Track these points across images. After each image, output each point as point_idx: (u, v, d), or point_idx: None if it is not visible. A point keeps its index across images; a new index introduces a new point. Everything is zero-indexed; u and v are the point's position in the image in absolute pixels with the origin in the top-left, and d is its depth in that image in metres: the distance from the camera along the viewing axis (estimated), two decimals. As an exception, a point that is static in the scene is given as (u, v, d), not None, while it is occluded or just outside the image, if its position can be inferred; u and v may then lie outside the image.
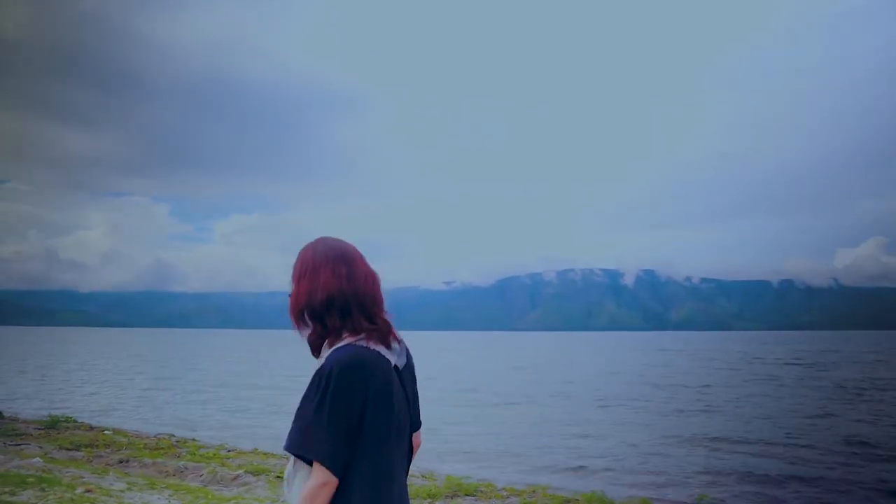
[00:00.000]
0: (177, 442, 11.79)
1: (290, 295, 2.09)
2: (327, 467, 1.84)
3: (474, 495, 8.56)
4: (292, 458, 1.94)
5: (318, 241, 2.13)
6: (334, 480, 1.85)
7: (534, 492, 8.96)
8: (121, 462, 9.84)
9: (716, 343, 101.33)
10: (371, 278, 2.07)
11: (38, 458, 9.12)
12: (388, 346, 2.00)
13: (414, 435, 2.12)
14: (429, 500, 8.14)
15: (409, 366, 2.11)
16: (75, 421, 13.90)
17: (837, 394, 21.47)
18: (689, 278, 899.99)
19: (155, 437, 12.77)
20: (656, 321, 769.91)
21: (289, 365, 42.12)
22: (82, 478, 7.92)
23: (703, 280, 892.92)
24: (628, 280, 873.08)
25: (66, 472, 8.22)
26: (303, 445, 1.87)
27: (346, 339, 1.97)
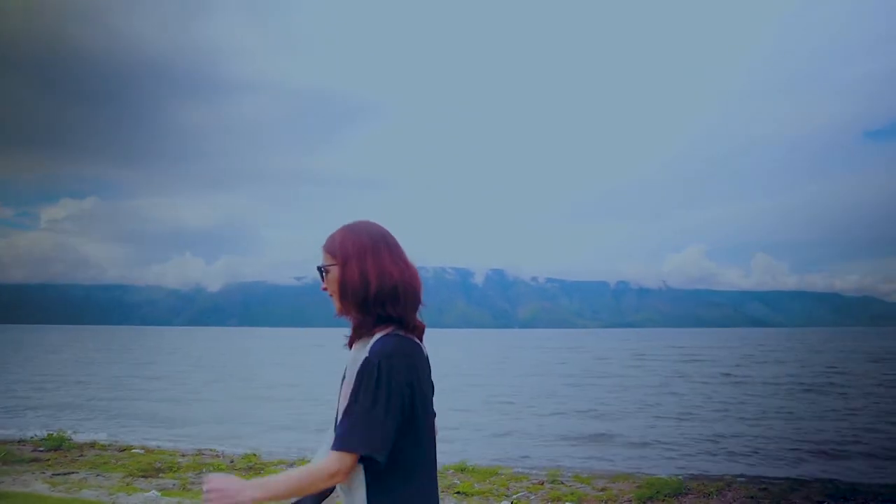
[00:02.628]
0: (250, 461, 9.78)
1: (323, 270, 2.05)
2: (379, 458, 1.80)
3: (685, 493, 7.73)
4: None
5: (364, 222, 2.08)
6: (346, 470, 1.80)
7: (729, 484, 8.32)
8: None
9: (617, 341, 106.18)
10: (416, 272, 2.09)
11: (153, 492, 7.05)
12: (421, 340, 2.04)
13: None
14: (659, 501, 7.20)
15: (428, 357, 2.15)
16: (70, 439, 11.24)
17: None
18: (535, 278, 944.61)
19: (199, 452, 10.62)
20: (504, 319, 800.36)
21: (161, 362, 38.64)
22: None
23: (548, 280, 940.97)
24: (478, 279, 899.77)
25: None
26: (362, 442, 1.79)
27: (384, 330, 1.92)
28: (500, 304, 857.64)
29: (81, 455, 9.87)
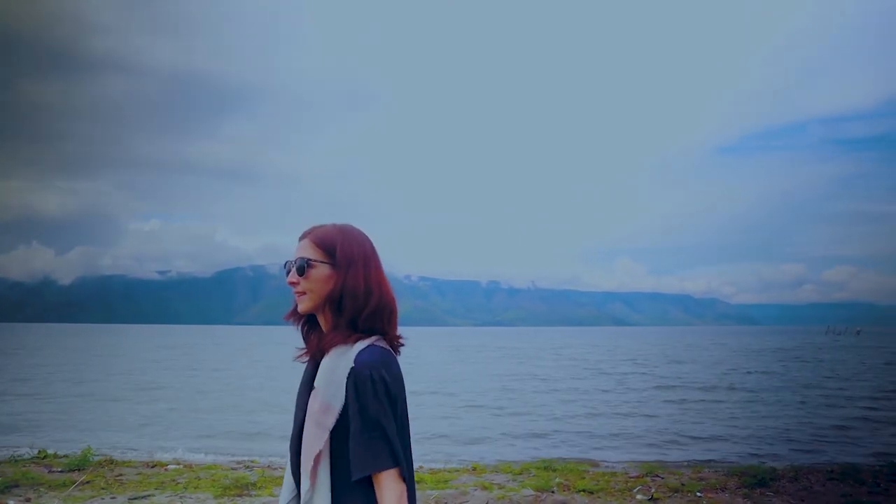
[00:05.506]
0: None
1: (309, 263, 1.85)
2: (401, 471, 1.73)
3: (779, 479, 8.04)
4: (308, 480, 1.77)
5: (355, 227, 1.93)
6: (402, 486, 1.74)
7: (798, 470, 8.77)
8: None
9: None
10: None
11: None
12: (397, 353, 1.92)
13: None
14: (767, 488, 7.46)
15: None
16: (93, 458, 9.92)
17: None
18: (408, 276, 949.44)
19: (245, 465, 9.75)
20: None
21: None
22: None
23: (421, 278, 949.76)
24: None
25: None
26: (377, 460, 1.71)
27: (366, 339, 1.81)
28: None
29: (121, 475, 8.74)
